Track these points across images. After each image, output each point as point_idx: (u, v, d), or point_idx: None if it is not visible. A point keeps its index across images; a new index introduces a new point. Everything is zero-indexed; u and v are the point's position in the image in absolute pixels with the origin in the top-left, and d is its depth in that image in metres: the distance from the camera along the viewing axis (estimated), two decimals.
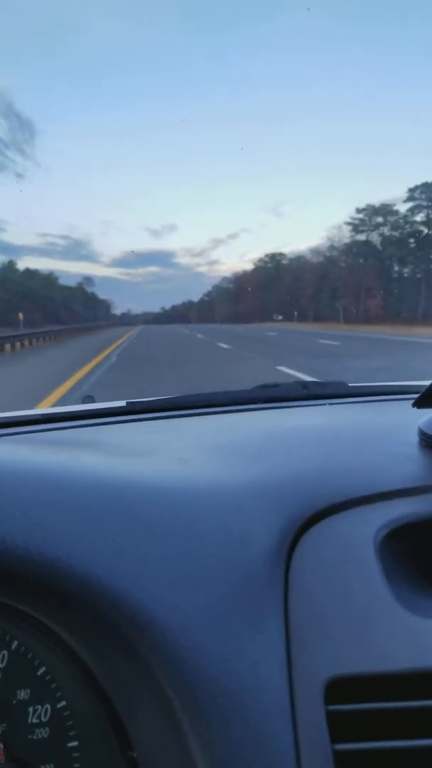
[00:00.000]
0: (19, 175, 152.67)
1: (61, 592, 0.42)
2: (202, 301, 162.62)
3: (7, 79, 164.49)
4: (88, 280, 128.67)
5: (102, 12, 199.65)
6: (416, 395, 0.97)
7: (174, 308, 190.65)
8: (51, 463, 0.56)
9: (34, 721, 0.45)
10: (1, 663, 0.46)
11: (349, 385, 1.09)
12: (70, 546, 0.42)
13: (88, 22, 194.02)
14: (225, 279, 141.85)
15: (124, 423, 0.92)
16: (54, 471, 0.52)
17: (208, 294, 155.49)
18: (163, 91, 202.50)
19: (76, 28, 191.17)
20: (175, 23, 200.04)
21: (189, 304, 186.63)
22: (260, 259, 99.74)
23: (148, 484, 0.51)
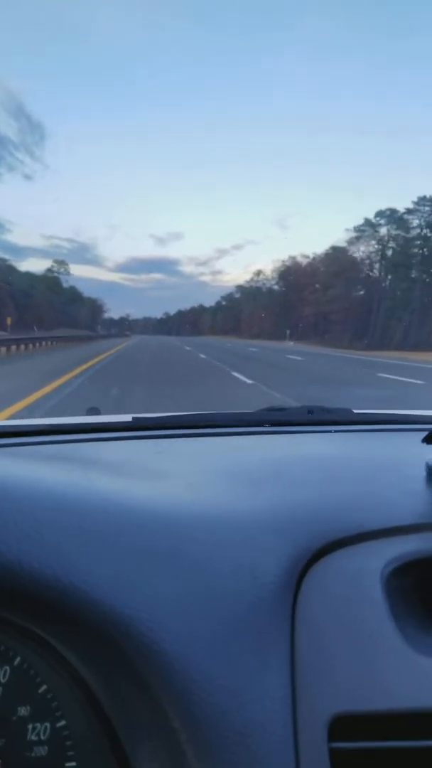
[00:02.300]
0: (28, 177, 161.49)
1: (71, 616, 0.42)
2: (217, 307, 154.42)
3: (20, 81, 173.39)
4: (61, 264, 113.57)
5: (115, 18, 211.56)
6: (421, 425, 1.00)
7: (181, 314, 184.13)
8: (66, 484, 0.56)
9: (33, 738, 0.45)
10: (3, 678, 0.46)
11: (355, 411, 1.10)
12: (85, 572, 0.43)
13: (101, 28, 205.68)
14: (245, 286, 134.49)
15: (130, 440, 0.92)
16: (70, 493, 0.52)
17: (228, 297, 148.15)
18: (173, 100, 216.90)
19: (90, 33, 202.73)
20: (187, 34, 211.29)
21: (200, 310, 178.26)
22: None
23: (161, 512, 0.51)
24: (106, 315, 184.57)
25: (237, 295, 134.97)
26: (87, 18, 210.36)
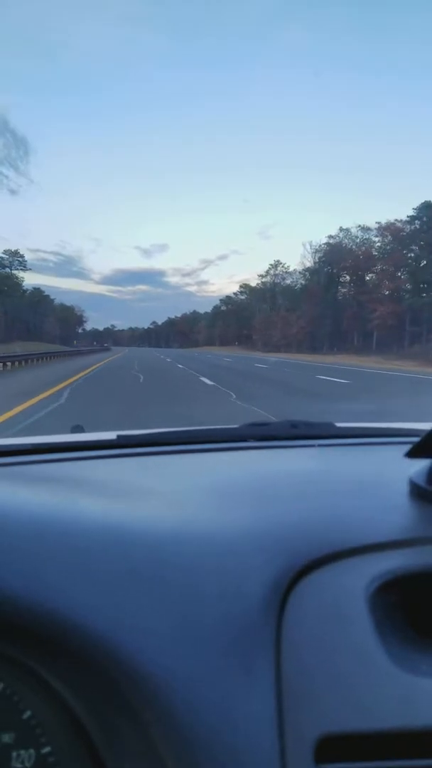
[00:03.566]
0: (13, 192, 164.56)
1: (54, 642, 0.42)
2: (215, 313, 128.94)
3: (3, 97, 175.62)
4: (14, 255, 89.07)
5: (96, 33, 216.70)
6: (404, 438, 1.00)
7: (171, 323, 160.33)
8: (49, 507, 0.56)
9: (17, 766, 0.45)
10: None
11: (338, 425, 1.10)
12: (68, 598, 0.43)
13: (82, 42, 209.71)
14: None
15: (115, 458, 0.92)
16: (53, 517, 0.52)
17: (230, 301, 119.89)
18: (155, 113, 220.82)
19: (71, 47, 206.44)
20: (167, 47, 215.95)
21: (193, 317, 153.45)
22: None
23: (146, 536, 0.51)
24: (91, 326, 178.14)
25: (242, 297, 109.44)
26: (67, 33, 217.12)
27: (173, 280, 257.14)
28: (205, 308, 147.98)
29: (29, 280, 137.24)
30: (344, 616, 0.45)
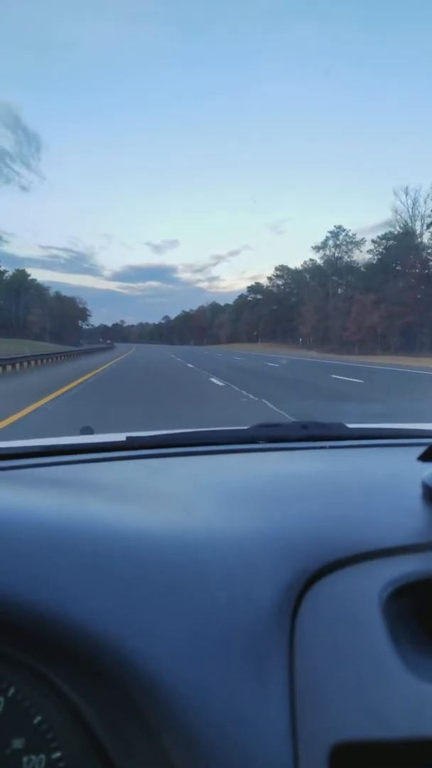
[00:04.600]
0: (24, 188, 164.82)
1: (65, 647, 0.42)
2: (239, 304, 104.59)
3: (16, 94, 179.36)
4: None
5: (106, 30, 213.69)
6: (416, 439, 1.00)
7: (186, 317, 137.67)
8: (60, 511, 0.56)
9: None
10: None
11: (349, 426, 1.09)
12: (79, 603, 0.43)
13: (92, 40, 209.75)
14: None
15: (124, 460, 0.91)
16: (63, 522, 0.52)
17: (258, 289, 74.12)
18: (166, 109, 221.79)
19: (82, 44, 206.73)
20: (178, 43, 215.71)
21: (212, 310, 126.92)
22: None
23: (156, 540, 0.51)
24: (99, 322, 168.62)
25: (278, 282, 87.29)
26: (78, 31, 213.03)
27: (184, 276, 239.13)
28: (232, 298, 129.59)
29: (39, 276, 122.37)
30: (358, 621, 0.44)
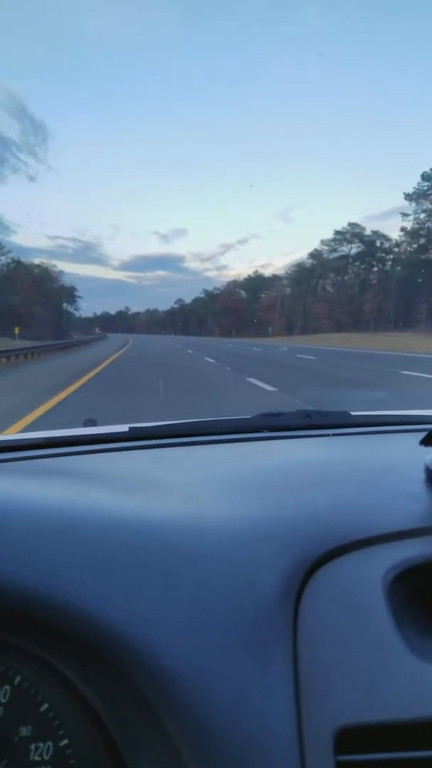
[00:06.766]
0: (32, 178, 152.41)
1: (68, 634, 0.42)
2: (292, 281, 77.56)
3: (22, 82, 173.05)
4: None
5: (114, 19, 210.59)
6: (418, 425, 1.01)
7: (201, 303, 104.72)
8: (62, 500, 0.56)
9: (36, 758, 0.45)
10: (3, 698, 0.46)
11: (352, 414, 1.10)
12: (81, 590, 0.43)
13: (100, 29, 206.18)
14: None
15: (127, 450, 0.92)
16: (66, 510, 0.52)
17: (301, 268, 67.83)
18: (174, 97, 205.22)
19: (89, 33, 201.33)
20: (185, 32, 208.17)
21: (235, 296, 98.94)
22: None
23: (160, 528, 0.51)
24: (102, 310, 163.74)
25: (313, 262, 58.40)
26: (86, 19, 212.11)
27: (192, 265, 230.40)
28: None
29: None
30: (362, 606, 0.44)
